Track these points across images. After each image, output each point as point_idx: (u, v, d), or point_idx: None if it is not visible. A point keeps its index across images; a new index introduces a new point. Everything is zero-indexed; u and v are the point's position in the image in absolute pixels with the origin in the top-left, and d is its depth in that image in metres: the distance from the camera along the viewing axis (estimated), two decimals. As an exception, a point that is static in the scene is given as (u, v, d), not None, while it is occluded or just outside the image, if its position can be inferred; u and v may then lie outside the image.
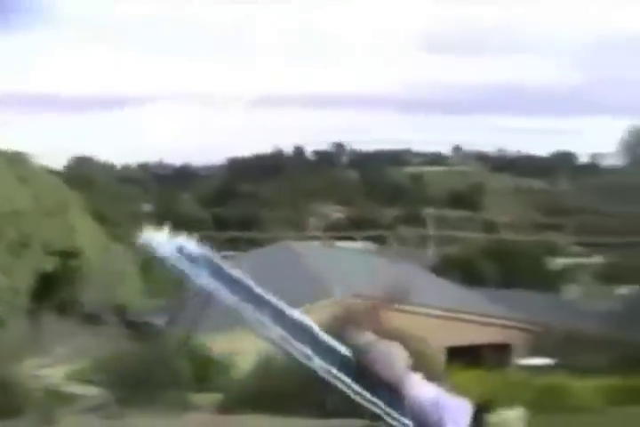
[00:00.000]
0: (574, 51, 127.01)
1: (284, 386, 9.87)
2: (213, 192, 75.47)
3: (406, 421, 4.69)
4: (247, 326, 4.92)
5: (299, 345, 4.95)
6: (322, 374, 4.93)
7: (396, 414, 4.86)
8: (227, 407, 9.97)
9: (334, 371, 4.92)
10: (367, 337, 5.12)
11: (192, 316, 22.36)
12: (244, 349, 13.43)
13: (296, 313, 5.38)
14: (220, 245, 50.54)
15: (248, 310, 4.96)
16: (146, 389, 11.83)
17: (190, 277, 4.75)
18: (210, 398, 10.54)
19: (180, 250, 4.87)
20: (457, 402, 5.14)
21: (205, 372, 13.53)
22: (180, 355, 13.94)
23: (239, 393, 10.63)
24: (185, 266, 4.79)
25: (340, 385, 4.97)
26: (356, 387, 4.85)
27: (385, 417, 4.85)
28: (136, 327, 23.42)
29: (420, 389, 5.11)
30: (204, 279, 4.86)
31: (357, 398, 4.95)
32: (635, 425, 7.31)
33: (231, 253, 36.42)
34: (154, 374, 12.55)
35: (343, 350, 5.49)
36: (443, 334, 16.18)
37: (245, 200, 68.79)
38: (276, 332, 4.90)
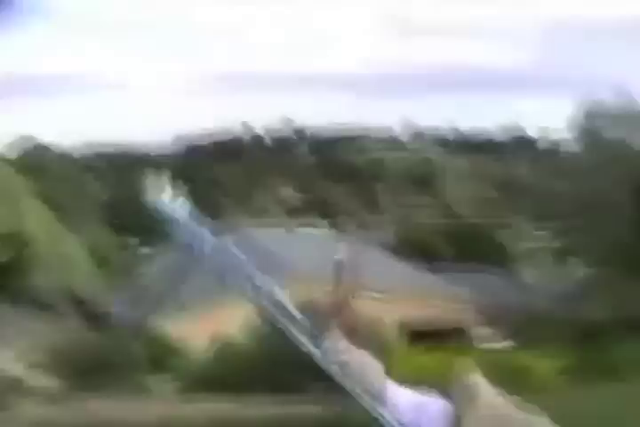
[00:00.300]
0: (530, 33, 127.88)
1: (242, 369, 9.76)
2: (168, 178, 74.68)
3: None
4: (247, 294, 4.81)
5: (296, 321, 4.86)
6: (307, 350, 4.81)
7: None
8: (185, 391, 9.83)
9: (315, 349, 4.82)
10: (340, 345, 5.03)
11: (148, 301, 22.08)
12: (201, 332, 13.22)
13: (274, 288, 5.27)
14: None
15: (249, 275, 4.83)
16: (103, 374, 11.67)
17: (199, 240, 4.60)
18: (168, 381, 10.37)
19: (191, 213, 4.83)
20: (437, 405, 5.08)
21: (163, 356, 13.37)
22: (136, 340, 13.78)
23: (197, 377, 10.49)
24: (195, 230, 4.71)
25: (322, 365, 4.85)
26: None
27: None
28: (92, 317, 23.09)
29: (399, 397, 5.05)
30: (210, 243, 4.76)
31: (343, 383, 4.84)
32: (593, 403, 7.28)
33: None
34: (111, 360, 12.39)
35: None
36: (401, 317, 16.12)
37: (201, 186, 68.28)
38: (282, 298, 4.81)
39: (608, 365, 10.14)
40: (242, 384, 9.34)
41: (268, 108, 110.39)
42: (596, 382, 9.32)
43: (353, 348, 4.81)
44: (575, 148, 29.86)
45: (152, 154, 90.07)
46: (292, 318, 4.98)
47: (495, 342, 14.21)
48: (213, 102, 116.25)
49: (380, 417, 4.65)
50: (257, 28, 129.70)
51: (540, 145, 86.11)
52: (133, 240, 44.84)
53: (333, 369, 4.78)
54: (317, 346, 4.90)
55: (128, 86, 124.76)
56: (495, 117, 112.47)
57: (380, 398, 4.55)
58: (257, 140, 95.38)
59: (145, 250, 44.99)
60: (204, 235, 4.82)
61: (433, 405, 4.68)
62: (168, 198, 4.82)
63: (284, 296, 4.89)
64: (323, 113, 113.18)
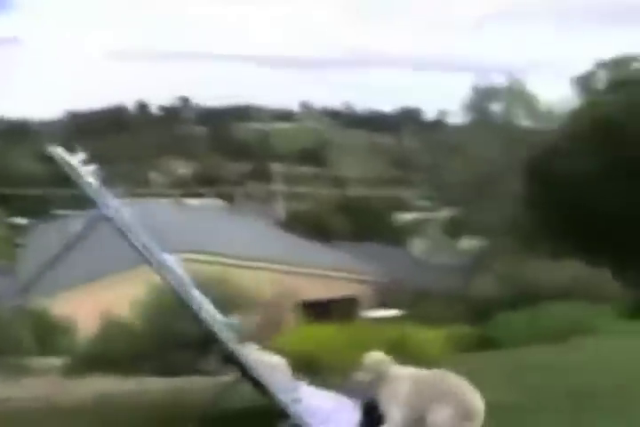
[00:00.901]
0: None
1: (129, 348, 9.46)
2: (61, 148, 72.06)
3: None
4: (146, 264, 4.84)
5: (196, 293, 4.73)
6: (209, 325, 4.66)
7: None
8: (72, 370, 9.49)
9: (220, 320, 4.69)
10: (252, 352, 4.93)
11: (29, 278, 21.20)
12: (87, 310, 12.74)
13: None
14: (59, 204, 48.33)
15: (153, 249, 4.66)
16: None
17: (106, 205, 4.54)
18: (53, 361, 10.00)
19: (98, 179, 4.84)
20: (346, 405, 5.12)
21: (47, 335, 12.93)
22: (18, 319, 13.23)
23: (84, 355, 10.12)
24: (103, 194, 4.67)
25: (222, 340, 4.68)
26: (235, 346, 4.63)
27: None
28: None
29: (310, 399, 5.04)
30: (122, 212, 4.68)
31: (240, 357, 4.70)
32: (479, 371, 7.36)
33: (72, 212, 34.80)
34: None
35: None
36: (292, 289, 15.94)
37: (87, 157, 66.14)
38: (179, 278, 4.68)
39: (492, 336, 10.31)
40: (129, 363, 9.07)
41: (157, 81, 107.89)
42: (478, 351, 9.45)
43: (264, 355, 4.92)
44: (463, 122, 30.36)
45: (33, 124, 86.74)
46: (189, 293, 4.88)
47: (385, 313, 14.29)
48: (100, 73, 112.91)
49: (279, 401, 4.64)
50: (149, 3, 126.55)
51: (429, 118, 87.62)
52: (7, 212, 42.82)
53: (234, 346, 4.69)
54: (216, 322, 4.85)
55: (20, 58, 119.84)
56: (388, 93, 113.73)
57: (286, 391, 4.75)
58: (145, 111, 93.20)
59: (21, 221, 42.97)
60: (111, 199, 4.79)
61: (344, 406, 4.92)
62: (77, 163, 4.80)
63: (180, 270, 4.77)
64: (216, 85, 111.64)
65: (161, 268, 4.84)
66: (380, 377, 5.28)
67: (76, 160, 4.84)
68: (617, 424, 5.59)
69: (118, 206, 4.93)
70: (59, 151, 4.88)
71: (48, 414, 6.22)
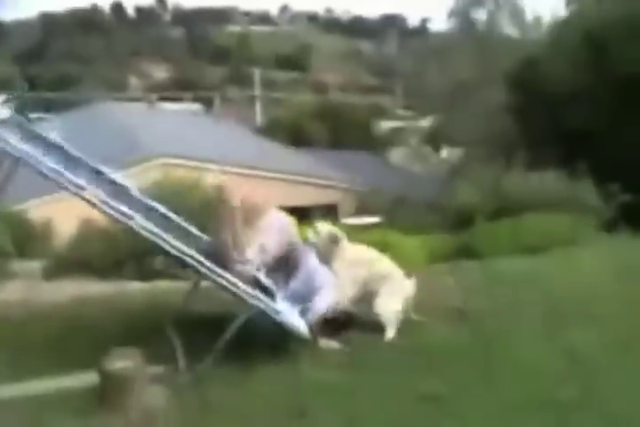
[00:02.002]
0: None
1: (106, 252, 9.47)
2: (25, 50, 70.15)
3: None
4: (63, 189, 4.60)
5: (118, 205, 4.67)
6: (141, 232, 4.64)
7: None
8: (49, 273, 9.54)
9: (156, 230, 4.68)
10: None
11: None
12: (62, 214, 12.64)
13: (114, 175, 5.02)
14: (33, 107, 47.43)
15: (63, 173, 4.57)
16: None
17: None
18: (33, 265, 10.03)
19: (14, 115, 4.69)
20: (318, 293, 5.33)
21: (24, 239, 12.87)
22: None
23: (62, 259, 10.13)
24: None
25: (164, 245, 4.66)
26: (183, 248, 4.65)
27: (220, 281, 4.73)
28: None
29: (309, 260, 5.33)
30: (13, 143, 4.53)
31: (188, 261, 4.73)
32: (458, 280, 7.55)
33: (45, 115, 34.21)
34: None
35: (164, 210, 5.24)
36: (271, 195, 15.91)
37: (61, 58, 64.55)
38: (94, 193, 4.59)
39: (471, 245, 10.38)
40: (107, 267, 9.12)
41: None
42: (456, 260, 9.54)
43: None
44: (449, 31, 29.82)
45: (7, 25, 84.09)
46: (134, 202, 4.79)
47: (365, 221, 14.31)
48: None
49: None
50: None
51: (412, 25, 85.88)
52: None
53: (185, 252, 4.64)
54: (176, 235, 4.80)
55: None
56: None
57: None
58: (120, 12, 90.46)
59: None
60: (6, 136, 4.51)
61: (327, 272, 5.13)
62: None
63: (126, 183, 4.65)
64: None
65: (78, 192, 4.73)
66: (330, 247, 5.67)
67: None
68: (590, 333, 5.70)
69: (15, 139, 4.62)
70: None
71: (27, 317, 6.23)
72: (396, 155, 35.38)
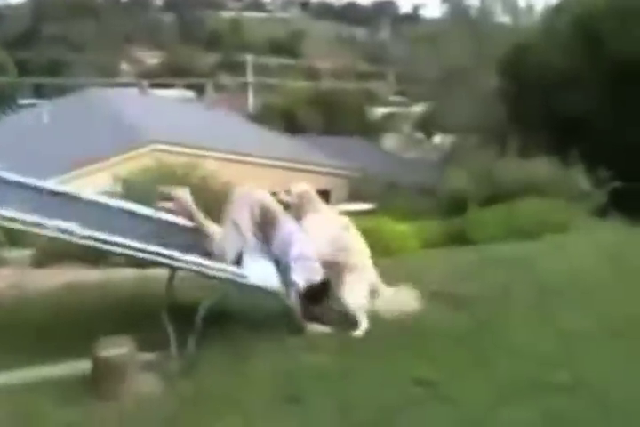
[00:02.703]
0: None
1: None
2: (16, 35, 69.62)
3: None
4: None
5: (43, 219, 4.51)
6: (81, 241, 4.53)
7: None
8: (38, 262, 9.50)
9: (103, 237, 4.56)
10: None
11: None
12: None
13: (55, 186, 4.92)
14: (23, 93, 47.10)
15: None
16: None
17: None
18: (24, 252, 10.00)
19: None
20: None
21: (13, 229, 12.83)
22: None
23: (49, 248, 10.08)
24: None
25: (118, 249, 4.61)
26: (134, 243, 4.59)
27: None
28: None
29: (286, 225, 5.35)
30: None
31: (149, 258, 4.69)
32: (451, 266, 7.56)
33: (36, 100, 34.02)
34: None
35: (131, 206, 5.19)
36: (264, 182, 15.87)
37: (52, 43, 64.09)
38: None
39: (464, 231, 10.38)
40: (95, 254, 9.07)
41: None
42: (449, 246, 9.56)
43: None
44: (441, 17, 29.77)
45: (3, 9, 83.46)
46: (73, 205, 4.64)
47: (358, 207, 14.31)
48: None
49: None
50: None
51: (403, 11, 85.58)
52: None
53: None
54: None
55: None
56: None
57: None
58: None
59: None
60: None
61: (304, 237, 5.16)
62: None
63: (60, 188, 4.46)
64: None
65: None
66: (301, 204, 5.75)
67: None
68: (583, 317, 5.72)
69: None
70: None
71: (18, 304, 6.20)
72: (389, 141, 35.34)
